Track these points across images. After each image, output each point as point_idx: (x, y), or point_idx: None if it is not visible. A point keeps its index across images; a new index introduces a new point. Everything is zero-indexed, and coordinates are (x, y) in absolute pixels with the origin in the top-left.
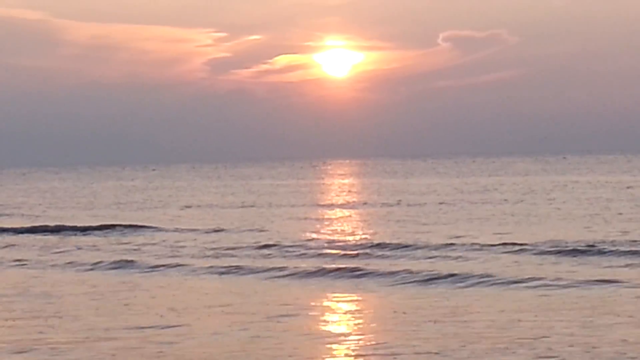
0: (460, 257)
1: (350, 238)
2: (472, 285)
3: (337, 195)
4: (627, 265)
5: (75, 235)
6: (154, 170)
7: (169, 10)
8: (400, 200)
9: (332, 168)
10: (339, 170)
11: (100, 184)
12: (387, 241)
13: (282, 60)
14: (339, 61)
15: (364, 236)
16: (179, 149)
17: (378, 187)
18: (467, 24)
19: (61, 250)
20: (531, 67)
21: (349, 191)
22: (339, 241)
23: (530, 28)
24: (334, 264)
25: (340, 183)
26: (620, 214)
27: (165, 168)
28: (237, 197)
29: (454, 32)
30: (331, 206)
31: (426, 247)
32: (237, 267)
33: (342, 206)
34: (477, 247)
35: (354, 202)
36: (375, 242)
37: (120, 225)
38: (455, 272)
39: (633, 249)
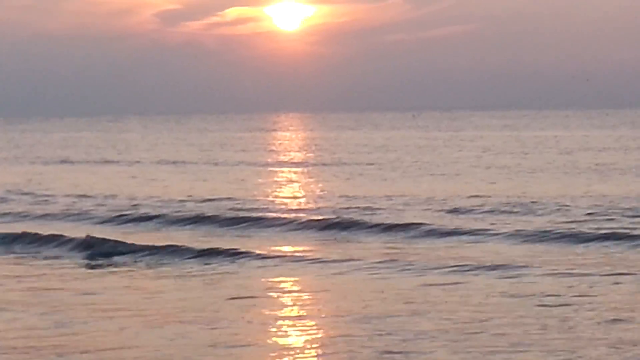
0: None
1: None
2: None
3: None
4: None
5: None
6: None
7: None
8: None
9: (268, 122)
10: (263, 124)
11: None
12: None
13: (232, 12)
14: (289, 14)
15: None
16: (128, 101)
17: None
18: None
19: None
20: (483, 21)
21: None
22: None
23: None
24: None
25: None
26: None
27: (114, 119)
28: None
29: None
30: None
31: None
32: None
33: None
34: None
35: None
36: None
37: None
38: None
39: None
